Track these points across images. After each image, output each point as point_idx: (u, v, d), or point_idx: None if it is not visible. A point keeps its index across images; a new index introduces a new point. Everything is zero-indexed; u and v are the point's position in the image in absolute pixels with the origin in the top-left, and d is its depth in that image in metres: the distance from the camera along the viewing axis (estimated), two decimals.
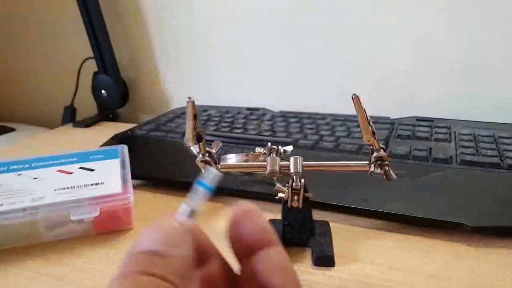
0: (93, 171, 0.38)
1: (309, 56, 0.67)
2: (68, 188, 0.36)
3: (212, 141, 0.31)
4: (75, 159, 0.41)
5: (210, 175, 0.18)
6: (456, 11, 0.57)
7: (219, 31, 0.71)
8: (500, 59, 0.57)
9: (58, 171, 0.39)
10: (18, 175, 0.38)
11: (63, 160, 0.40)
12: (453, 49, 0.58)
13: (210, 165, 0.28)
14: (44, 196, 0.34)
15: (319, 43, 0.65)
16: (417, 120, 0.57)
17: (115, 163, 0.39)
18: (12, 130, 0.75)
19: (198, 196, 0.18)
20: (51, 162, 0.40)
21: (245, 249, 0.18)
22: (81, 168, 0.39)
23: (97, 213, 0.34)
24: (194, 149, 0.28)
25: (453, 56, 0.59)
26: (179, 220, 0.17)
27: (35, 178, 0.38)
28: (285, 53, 0.68)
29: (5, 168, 0.39)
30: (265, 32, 0.68)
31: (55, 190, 0.35)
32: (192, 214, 0.18)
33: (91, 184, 0.36)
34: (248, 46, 0.70)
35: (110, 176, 0.37)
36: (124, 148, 0.42)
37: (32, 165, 0.40)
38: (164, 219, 0.16)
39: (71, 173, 0.38)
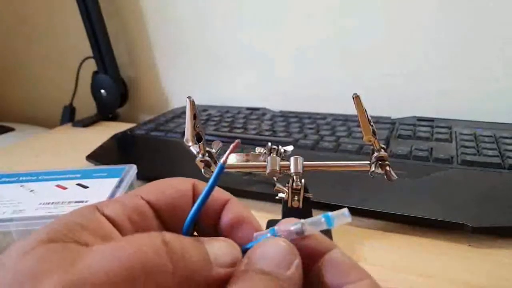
0: (87, 189, 0.38)
1: (309, 56, 0.67)
2: (52, 203, 0.35)
3: (212, 141, 0.31)
4: (78, 175, 0.41)
5: (341, 219, 0.18)
6: (456, 11, 0.57)
7: (219, 31, 0.71)
8: (500, 59, 0.56)
9: (56, 185, 0.39)
10: (21, 186, 0.39)
11: (65, 176, 0.41)
12: (454, 49, 0.58)
13: (210, 165, 0.28)
14: (26, 209, 0.34)
15: (319, 43, 0.65)
16: (418, 120, 0.57)
17: (112, 182, 0.39)
18: (11, 130, 0.75)
19: (317, 225, 0.18)
20: (54, 177, 0.40)
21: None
22: (77, 184, 0.39)
23: None
24: (194, 149, 0.28)
25: (454, 55, 0.59)
26: (287, 241, 0.17)
27: (31, 191, 0.38)
28: (285, 53, 0.68)
29: (15, 179, 0.40)
30: (265, 32, 0.68)
31: (39, 204, 0.35)
32: (300, 234, 0.18)
33: (75, 202, 0.36)
34: (248, 46, 0.70)
35: (98, 194, 0.37)
36: (132, 168, 0.41)
37: (39, 177, 0.40)
38: (275, 240, 0.17)
39: (66, 188, 0.38)
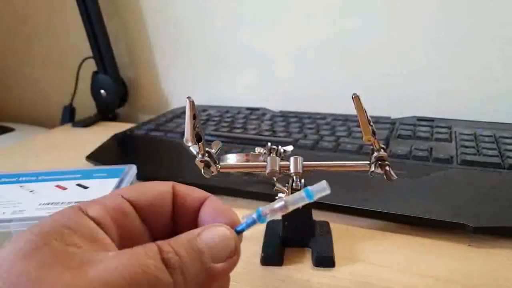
0: (87, 189, 0.38)
1: (309, 56, 0.67)
2: (51, 204, 0.35)
3: (212, 141, 0.31)
4: (78, 175, 0.40)
5: (320, 192, 0.19)
6: (456, 11, 0.57)
7: (219, 31, 0.71)
8: (500, 59, 0.56)
9: (55, 186, 0.38)
10: (20, 186, 0.39)
11: (65, 176, 0.40)
12: (454, 49, 0.58)
13: (210, 165, 0.28)
14: (25, 209, 0.34)
15: (319, 43, 0.65)
16: (417, 120, 0.57)
17: (112, 183, 0.39)
18: (11, 130, 0.75)
19: (298, 200, 0.19)
20: (54, 177, 0.40)
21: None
22: (77, 185, 0.39)
23: None
24: (194, 149, 0.28)
25: (454, 55, 0.59)
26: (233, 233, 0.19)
27: (31, 191, 0.38)
28: (285, 53, 0.68)
29: (15, 179, 0.40)
30: (265, 32, 0.68)
31: (39, 204, 0.35)
32: (284, 210, 0.19)
33: (75, 202, 0.35)
34: (248, 46, 0.70)
35: (98, 194, 0.36)
36: (131, 168, 0.41)
37: (39, 178, 0.40)
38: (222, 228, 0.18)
39: (66, 189, 0.38)
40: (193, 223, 0.21)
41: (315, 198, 0.19)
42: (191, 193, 0.22)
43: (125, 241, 0.18)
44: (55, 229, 0.16)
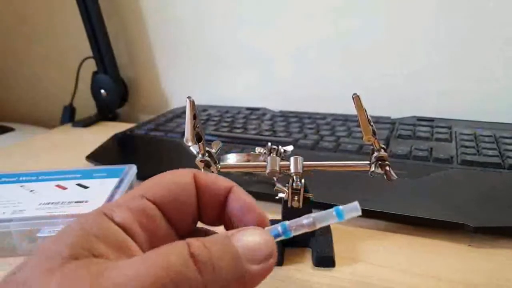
0: (87, 189, 0.38)
1: (309, 56, 0.67)
2: (51, 203, 0.35)
3: (212, 141, 0.31)
4: (78, 175, 0.41)
5: (351, 212, 0.18)
6: (456, 11, 0.57)
7: (219, 31, 0.71)
8: (501, 59, 0.56)
9: (55, 186, 0.39)
10: (21, 186, 0.39)
11: (65, 176, 0.40)
12: (454, 49, 0.58)
13: (210, 165, 0.28)
14: (26, 209, 0.34)
15: (319, 43, 0.65)
16: (417, 120, 0.57)
17: (112, 182, 0.39)
18: (11, 130, 0.75)
19: (327, 218, 0.18)
20: (54, 177, 0.40)
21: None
22: (77, 184, 0.39)
23: None
24: (194, 149, 0.28)
25: (454, 55, 0.58)
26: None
27: (31, 191, 0.38)
28: (285, 53, 0.68)
29: (15, 179, 0.40)
30: (265, 32, 0.68)
31: (39, 204, 0.35)
32: (310, 225, 0.18)
33: (75, 202, 0.35)
34: (248, 46, 0.70)
35: (98, 194, 0.37)
36: (131, 168, 0.41)
37: (39, 178, 0.40)
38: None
39: (66, 188, 0.38)
40: (219, 213, 0.21)
41: (345, 218, 0.18)
42: (214, 181, 0.20)
43: (153, 244, 0.17)
44: (83, 239, 0.15)
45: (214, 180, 0.21)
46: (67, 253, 0.14)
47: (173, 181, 0.20)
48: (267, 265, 0.16)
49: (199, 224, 0.21)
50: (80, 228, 0.16)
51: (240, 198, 0.20)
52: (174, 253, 0.14)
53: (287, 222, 0.18)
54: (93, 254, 0.15)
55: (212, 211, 0.21)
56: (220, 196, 0.20)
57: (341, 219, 0.18)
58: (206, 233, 0.22)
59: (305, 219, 0.18)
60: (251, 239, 0.16)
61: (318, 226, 0.18)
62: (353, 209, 0.18)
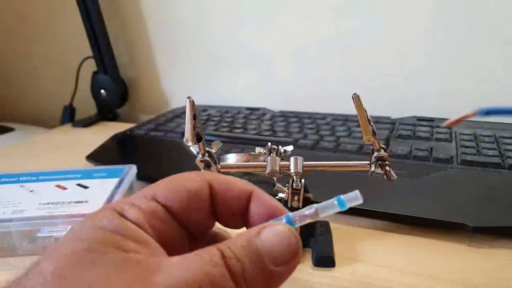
0: (87, 189, 0.38)
1: (309, 56, 0.67)
2: (51, 203, 0.35)
3: (212, 141, 0.31)
4: (78, 175, 0.41)
5: (352, 201, 0.18)
6: (456, 11, 0.57)
7: (219, 31, 0.71)
8: (500, 59, 0.56)
9: (55, 186, 0.38)
10: (21, 186, 0.39)
11: (65, 176, 0.40)
12: (454, 49, 0.58)
13: (210, 165, 0.28)
14: (26, 209, 0.34)
15: (319, 43, 0.65)
16: (417, 119, 0.57)
17: (112, 182, 0.39)
18: (11, 130, 0.75)
19: (329, 208, 0.18)
20: (54, 177, 0.40)
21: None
22: (77, 184, 0.39)
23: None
24: (194, 149, 0.28)
25: (454, 55, 0.59)
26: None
27: (31, 191, 0.38)
28: (285, 53, 0.68)
29: (15, 179, 0.40)
30: (265, 32, 0.68)
31: (39, 204, 0.35)
32: (313, 215, 0.18)
33: (75, 202, 0.35)
34: (248, 46, 0.70)
35: (98, 195, 0.36)
36: (131, 168, 0.41)
37: (39, 178, 0.40)
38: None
39: (66, 188, 0.38)
40: (239, 217, 0.20)
41: (347, 206, 0.18)
42: (230, 187, 0.20)
43: (163, 245, 0.17)
44: (108, 236, 0.15)
45: (229, 186, 0.20)
46: (100, 249, 0.14)
47: (185, 187, 0.19)
48: (292, 264, 0.17)
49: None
50: (97, 227, 0.16)
51: (264, 203, 0.20)
52: (209, 262, 0.15)
53: (290, 214, 0.18)
54: (124, 250, 0.15)
55: (231, 217, 0.20)
56: (238, 202, 0.20)
57: (343, 208, 0.18)
58: (217, 234, 0.21)
59: (307, 210, 0.18)
60: (280, 241, 0.16)
61: (320, 215, 0.18)
62: (354, 197, 0.18)
